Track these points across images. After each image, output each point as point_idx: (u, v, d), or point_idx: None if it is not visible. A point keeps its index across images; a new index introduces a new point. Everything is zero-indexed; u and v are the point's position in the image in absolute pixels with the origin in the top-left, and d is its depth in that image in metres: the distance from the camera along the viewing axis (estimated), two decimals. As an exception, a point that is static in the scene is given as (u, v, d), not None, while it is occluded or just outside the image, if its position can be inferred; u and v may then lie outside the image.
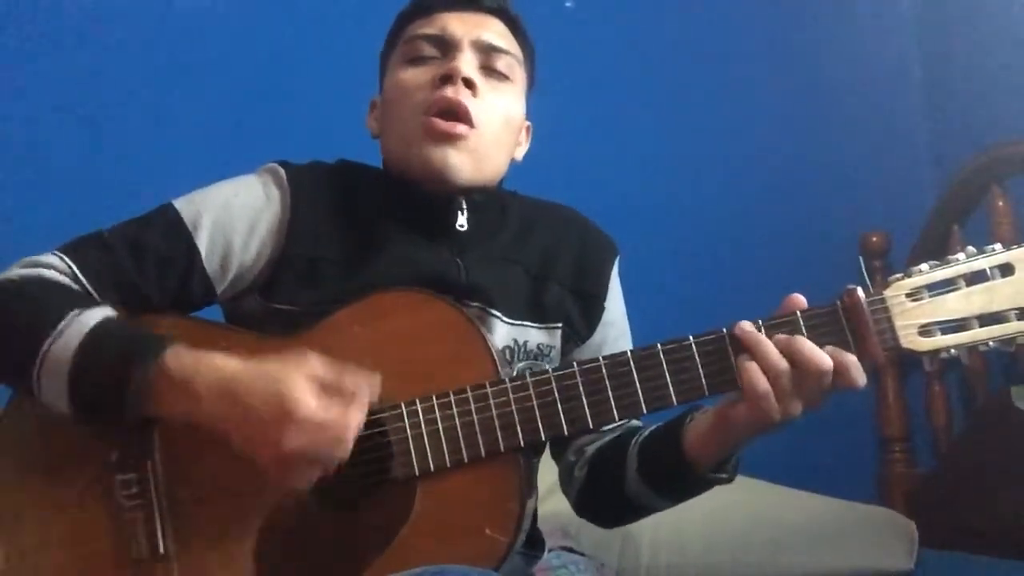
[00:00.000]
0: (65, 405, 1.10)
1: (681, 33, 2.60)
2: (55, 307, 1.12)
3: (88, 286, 1.18)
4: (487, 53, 1.31)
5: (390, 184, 1.32)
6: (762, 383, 1.09)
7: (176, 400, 1.08)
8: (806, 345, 1.10)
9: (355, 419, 1.05)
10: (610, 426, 1.32)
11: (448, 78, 1.27)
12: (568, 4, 2.54)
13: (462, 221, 1.30)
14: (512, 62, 1.33)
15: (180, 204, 1.26)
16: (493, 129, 1.30)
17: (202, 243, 1.23)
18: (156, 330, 1.15)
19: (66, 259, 1.19)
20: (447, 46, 1.30)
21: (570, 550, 1.46)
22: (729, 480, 1.22)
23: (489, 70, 1.31)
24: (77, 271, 1.19)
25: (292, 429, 1.02)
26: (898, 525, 2.13)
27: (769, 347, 1.10)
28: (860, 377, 1.11)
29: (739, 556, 2.07)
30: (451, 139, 1.26)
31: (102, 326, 1.11)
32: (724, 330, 1.14)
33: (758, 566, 2.05)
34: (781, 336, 1.11)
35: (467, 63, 1.29)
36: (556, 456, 1.41)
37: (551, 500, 1.85)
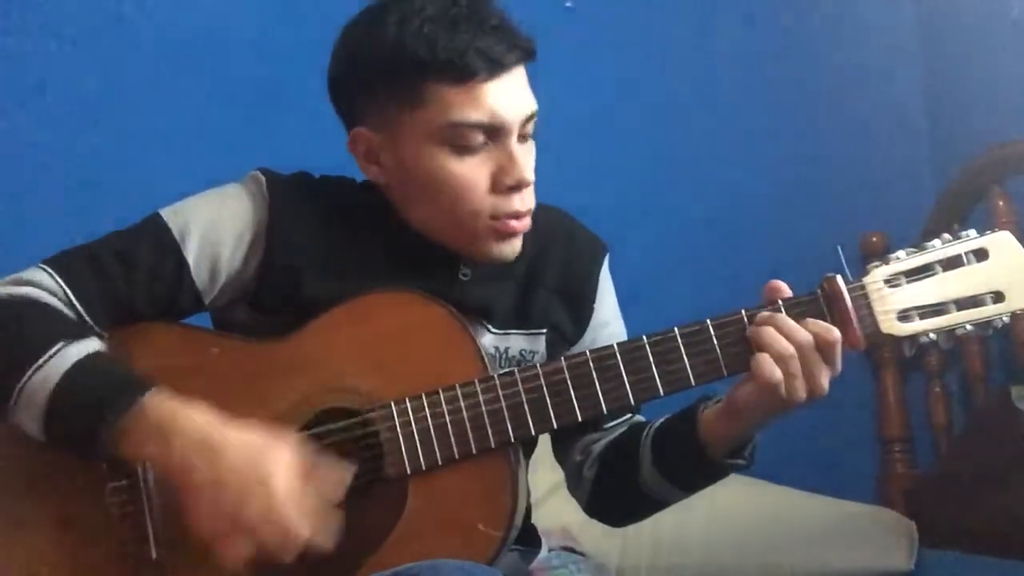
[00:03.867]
0: (39, 435, 1.11)
1: (681, 33, 2.59)
2: (42, 335, 1.12)
3: (77, 304, 1.18)
4: (526, 124, 1.25)
5: (393, 226, 1.28)
6: (775, 361, 1.12)
7: (147, 444, 1.09)
8: (818, 323, 1.14)
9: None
10: (614, 422, 1.33)
11: (516, 188, 1.22)
12: (568, 4, 2.53)
13: (465, 271, 1.28)
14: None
15: (167, 215, 1.25)
16: None
17: (191, 256, 1.22)
18: (145, 345, 1.17)
19: (56, 276, 1.19)
20: (497, 132, 1.22)
21: (571, 550, 1.46)
22: (747, 466, 1.22)
23: (524, 137, 1.26)
24: (67, 289, 1.18)
25: (258, 499, 1.04)
26: (898, 525, 2.13)
27: (786, 320, 1.13)
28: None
29: (739, 556, 2.08)
30: (519, 234, 1.25)
31: (85, 363, 1.11)
32: (743, 311, 1.16)
33: (758, 566, 2.05)
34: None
35: (524, 157, 1.23)
36: (561, 459, 1.39)
37: (551, 500, 1.86)
